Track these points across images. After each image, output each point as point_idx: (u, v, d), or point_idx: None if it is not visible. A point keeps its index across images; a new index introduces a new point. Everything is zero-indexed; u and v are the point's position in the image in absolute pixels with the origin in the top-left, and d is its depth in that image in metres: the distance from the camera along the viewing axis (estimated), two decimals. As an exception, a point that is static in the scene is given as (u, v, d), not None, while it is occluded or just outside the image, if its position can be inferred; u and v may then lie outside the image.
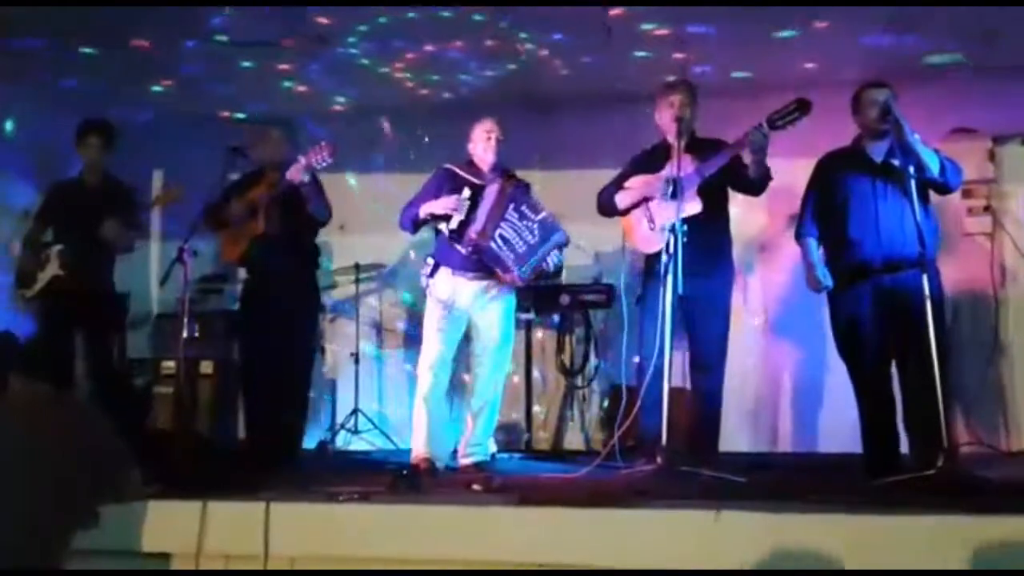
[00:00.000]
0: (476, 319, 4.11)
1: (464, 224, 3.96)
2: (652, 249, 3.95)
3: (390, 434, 5.38)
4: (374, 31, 4.63)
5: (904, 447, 3.75)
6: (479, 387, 4.15)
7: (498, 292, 4.10)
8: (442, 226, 4.04)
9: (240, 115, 5.71)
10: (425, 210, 4.07)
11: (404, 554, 2.85)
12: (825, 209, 3.89)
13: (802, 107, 3.64)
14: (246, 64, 5.05)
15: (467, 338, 4.21)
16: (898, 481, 3.19)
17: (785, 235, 5.30)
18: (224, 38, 4.64)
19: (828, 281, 3.83)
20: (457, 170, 4.15)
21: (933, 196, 3.80)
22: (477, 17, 4.47)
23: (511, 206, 3.97)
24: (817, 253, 3.93)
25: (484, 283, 4.06)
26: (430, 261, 4.12)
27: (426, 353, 4.10)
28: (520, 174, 4.30)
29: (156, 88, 5.37)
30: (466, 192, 3.99)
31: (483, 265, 4.02)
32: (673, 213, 3.64)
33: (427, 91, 5.42)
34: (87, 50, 4.82)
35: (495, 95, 5.39)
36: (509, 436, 5.28)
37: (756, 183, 3.90)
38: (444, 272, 4.07)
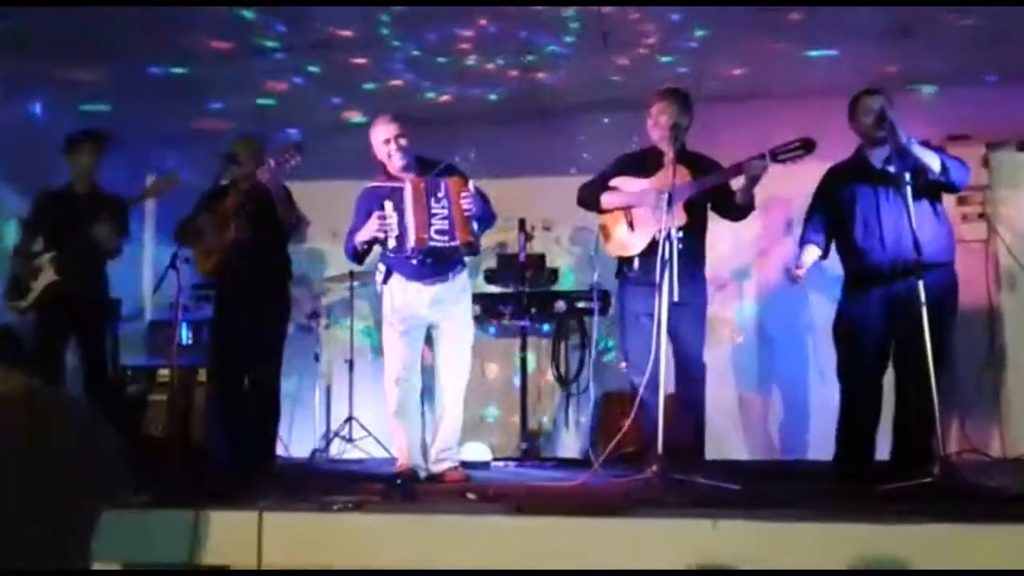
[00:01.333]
0: (433, 324, 4.04)
1: (400, 237, 3.87)
2: (626, 253, 3.96)
3: (384, 442, 5.36)
4: (375, 37, 4.64)
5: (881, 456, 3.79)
6: (440, 394, 4.07)
7: (454, 297, 4.03)
8: (387, 244, 3.93)
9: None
10: (359, 241, 3.97)
11: (399, 563, 2.83)
12: (833, 221, 3.93)
13: (806, 146, 3.65)
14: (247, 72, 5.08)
15: (428, 343, 4.14)
16: (895, 488, 3.17)
17: (780, 243, 5.33)
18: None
19: (800, 272, 3.96)
20: (376, 184, 4.01)
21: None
22: (480, 23, 4.49)
23: (431, 199, 3.86)
24: (809, 255, 3.98)
25: (438, 287, 3.98)
26: (382, 268, 4.04)
27: (389, 366, 4.03)
28: (521, 179, 4.24)
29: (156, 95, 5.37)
30: (388, 208, 3.86)
31: (435, 270, 3.95)
32: (657, 221, 3.65)
33: (429, 97, 5.43)
34: (84, 55, 4.83)
35: (496, 101, 5.40)
36: (504, 444, 5.27)
37: (740, 210, 3.93)
38: (397, 279, 4.00)
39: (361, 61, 4.94)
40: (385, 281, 4.03)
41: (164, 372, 5.15)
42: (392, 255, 3.96)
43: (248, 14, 4.38)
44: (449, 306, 4.02)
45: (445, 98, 5.44)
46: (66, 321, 4.45)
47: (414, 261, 3.91)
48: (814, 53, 4.75)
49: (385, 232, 3.87)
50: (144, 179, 5.30)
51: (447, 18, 4.46)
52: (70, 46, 4.62)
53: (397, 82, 5.21)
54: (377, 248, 4.04)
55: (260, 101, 5.43)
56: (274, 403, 4.40)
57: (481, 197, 3.98)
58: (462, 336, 4.06)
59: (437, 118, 5.57)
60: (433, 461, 4.07)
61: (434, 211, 3.86)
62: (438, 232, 3.85)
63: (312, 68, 5.02)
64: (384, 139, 3.96)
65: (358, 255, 4.07)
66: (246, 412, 4.28)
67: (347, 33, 4.60)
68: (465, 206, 3.86)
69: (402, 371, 4.00)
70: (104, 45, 4.60)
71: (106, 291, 4.66)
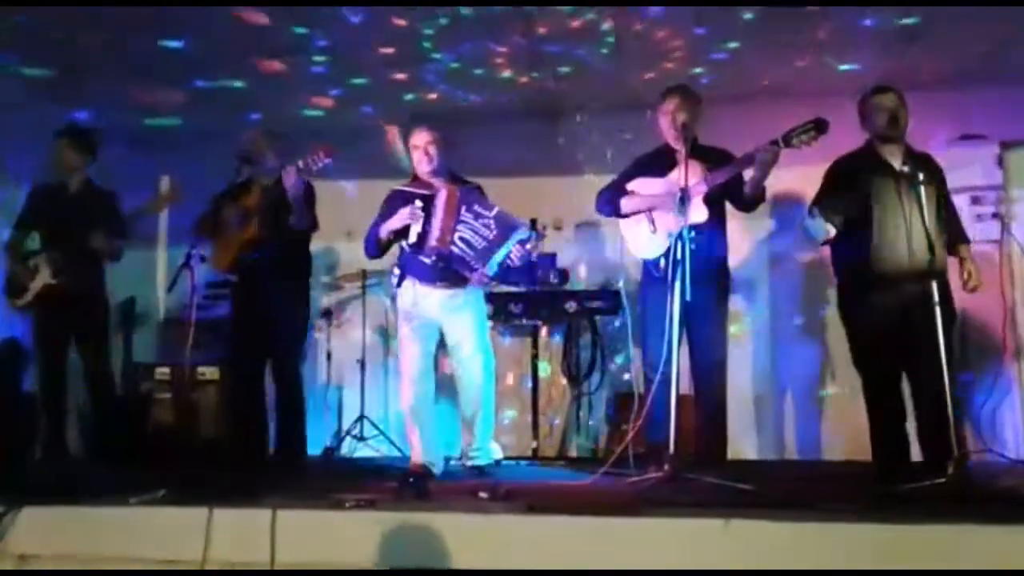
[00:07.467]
0: (445, 329, 4.10)
1: (422, 235, 3.95)
2: (650, 255, 3.95)
3: (396, 440, 5.37)
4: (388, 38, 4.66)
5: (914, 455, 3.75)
6: (465, 396, 4.14)
7: (464, 301, 4.07)
8: (404, 242, 4.03)
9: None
10: (385, 230, 4.05)
11: (411, 562, 2.83)
12: (847, 209, 3.82)
13: (819, 126, 3.61)
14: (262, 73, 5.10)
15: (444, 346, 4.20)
16: (908, 489, 3.16)
17: (792, 243, 5.31)
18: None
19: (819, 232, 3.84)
20: (405, 188, 4.13)
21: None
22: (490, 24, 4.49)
23: (463, 208, 3.94)
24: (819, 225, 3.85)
25: (449, 292, 4.04)
26: (396, 271, 4.13)
27: (403, 366, 4.12)
28: (531, 179, 4.27)
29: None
30: (418, 201, 3.97)
31: (447, 275, 3.99)
32: (677, 219, 3.62)
33: (437, 98, 5.43)
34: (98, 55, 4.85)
35: (507, 101, 5.40)
36: (516, 443, 5.27)
37: (750, 200, 3.90)
38: (409, 282, 4.08)
39: (374, 56, 4.95)
40: (399, 284, 4.10)
41: (163, 370, 5.14)
42: (409, 251, 4.01)
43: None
44: (459, 311, 4.07)
45: (451, 100, 5.46)
46: (64, 322, 4.49)
47: (427, 261, 3.96)
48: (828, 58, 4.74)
49: (410, 222, 3.95)
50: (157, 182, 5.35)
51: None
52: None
53: (405, 82, 5.22)
54: (394, 252, 4.13)
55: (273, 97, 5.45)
56: (299, 399, 4.41)
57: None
58: (474, 342, 4.08)
59: (449, 119, 5.58)
60: (468, 457, 4.17)
61: (463, 219, 3.91)
62: (462, 240, 3.90)
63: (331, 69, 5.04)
64: (415, 144, 4.09)
65: (380, 246, 4.12)
66: (279, 410, 4.33)
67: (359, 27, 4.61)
68: (515, 258, 3.89)
69: (415, 371, 4.06)
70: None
71: (104, 291, 4.68)
